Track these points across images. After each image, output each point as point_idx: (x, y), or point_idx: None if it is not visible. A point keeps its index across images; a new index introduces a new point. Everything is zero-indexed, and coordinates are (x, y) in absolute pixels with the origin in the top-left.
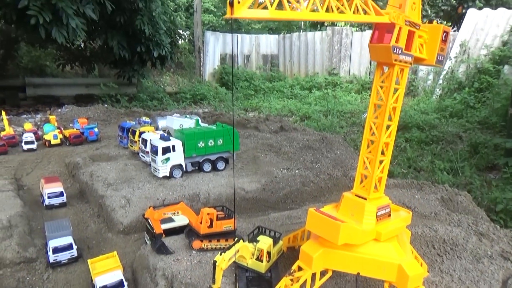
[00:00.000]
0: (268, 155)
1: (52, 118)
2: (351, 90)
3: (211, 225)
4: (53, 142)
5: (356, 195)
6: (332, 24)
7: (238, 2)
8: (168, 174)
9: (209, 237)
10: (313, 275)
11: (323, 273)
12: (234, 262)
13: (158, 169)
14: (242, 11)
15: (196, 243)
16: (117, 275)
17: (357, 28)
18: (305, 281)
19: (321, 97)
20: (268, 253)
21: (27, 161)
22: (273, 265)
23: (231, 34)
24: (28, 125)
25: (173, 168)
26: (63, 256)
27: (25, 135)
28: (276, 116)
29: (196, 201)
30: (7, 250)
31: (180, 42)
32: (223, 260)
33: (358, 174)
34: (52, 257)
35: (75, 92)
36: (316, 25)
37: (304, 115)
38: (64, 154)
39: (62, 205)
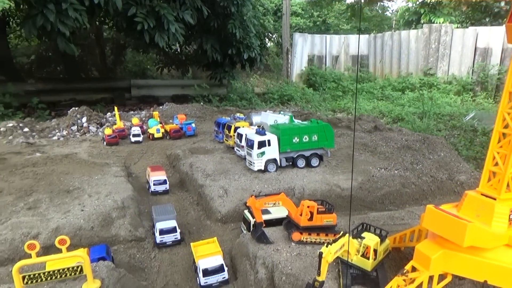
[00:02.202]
0: (363, 154)
1: (156, 114)
2: (450, 92)
3: (311, 218)
4: (156, 135)
5: (482, 194)
6: (430, 21)
7: None
8: (263, 168)
9: (309, 230)
10: (430, 278)
11: (440, 277)
12: (338, 257)
13: (253, 163)
14: None
15: (296, 235)
16: (218, 259)
17: (458, 25)
18: (421, 283)
19: (415, 99)
20: (375, 251)
21: (134, 152)
22: (379, 264)
23: (320, 36)
24: (135, 120)
25: (268, 162)
26: (168, 238)
27: (133, 128)
28: (368, 116)
29: (291, 195)
30: (121, 228)
31: (269, 44)
32: (329, 253)
33: (486, 171)
34: (158, 238)
35: (172, 93)
36: (411, 24)
37: (397, 117)
38: (165, 147)
39: (165, 192)
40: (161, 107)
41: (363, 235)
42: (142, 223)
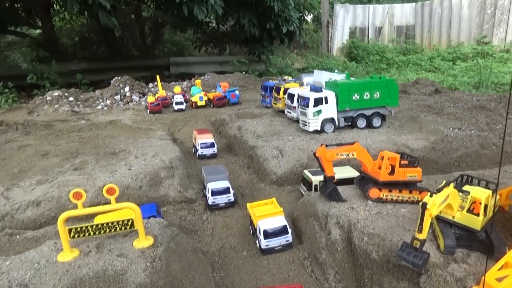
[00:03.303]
0: (428, 115)
1: (198, 82)
2: (507, 61)
3: (392, 172)
4: (199, 103)
5: None
6: None
7: None
8: (319, 128)
9: (390, 186)
10: None
11: None
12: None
13: (309, 123)
14: None
15: (374, 192)
16: (281, 220)
17: None
18: None
19: (469, 68)
20: (485, 206)
21: (177, 120)
22: (488, 224)
23: (362, 6)
24: (177, 89)
25: (324, 122)
26: (221, 200)
27: (175, 96)
28: (426, 80)
29: None
30: (170, 188)
31: (308, 17)
32: (434, 205)
33: None
34: (211, 199)
35: (210, 70)
36: None
37: (449, 88)
38: (209, 114)
39: (213, 156)
40: (202, 77)
41: (464, 188)
42: (191, 185)
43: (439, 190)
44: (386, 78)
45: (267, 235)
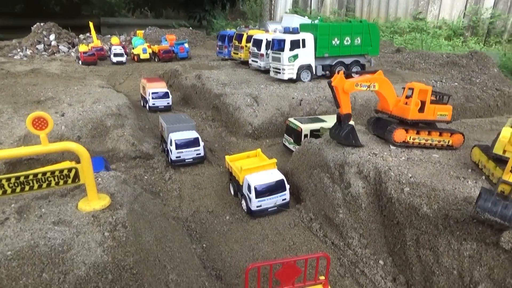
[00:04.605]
0: (402, 70)
1: (140, 32)
2: (440, 37)
3: (421, 109)
4: (142, 56)
5: None
6: None
7: None
8: (294, 76)
9: (417, 126)
10: None
11: None
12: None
13: (283, 69)
14: None
15: (399, 134)
16: (275, 174)
17: None
18: None
19: (407, 42)
20: None
21: (117, 73)
22: None
23: None
24: (115, 39)
25: (300, 69)
26: (188, 154)
27: (114, 47)
28: (385, 41)
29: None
30: (120, 140)
31: None
32: None
33: None
34: (174, 154)
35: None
36: None
37: None
38: (154, 68)
39: (167, 108)
40: (143, 31)
41: None
42: (146, 139)
43: None
44: (368, 22)
45: (259, 193)
